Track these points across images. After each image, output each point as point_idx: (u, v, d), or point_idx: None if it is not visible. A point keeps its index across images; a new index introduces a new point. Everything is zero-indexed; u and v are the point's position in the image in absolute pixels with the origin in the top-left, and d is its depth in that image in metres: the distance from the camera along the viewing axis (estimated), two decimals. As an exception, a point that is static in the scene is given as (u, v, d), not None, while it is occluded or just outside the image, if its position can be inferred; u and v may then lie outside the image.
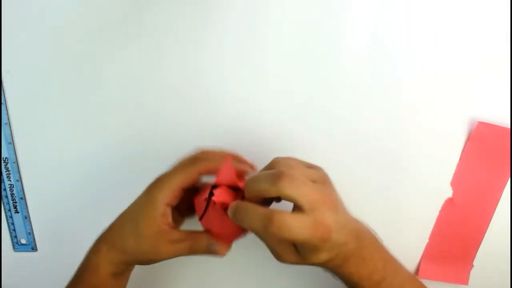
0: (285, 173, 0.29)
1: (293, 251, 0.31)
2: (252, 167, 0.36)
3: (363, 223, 0.34)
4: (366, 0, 0.38)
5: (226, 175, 0.33)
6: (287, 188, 0.29)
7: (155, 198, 0.34)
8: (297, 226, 0.28)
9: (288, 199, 0.29)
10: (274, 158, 0.33)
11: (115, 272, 0.36)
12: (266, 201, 0.33)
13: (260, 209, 0.29)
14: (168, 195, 0.33)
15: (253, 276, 0.48)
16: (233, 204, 0.31)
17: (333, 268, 0.32)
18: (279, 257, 0.32)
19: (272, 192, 0.29)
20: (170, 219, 0.34)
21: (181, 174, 0.34)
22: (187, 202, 0.36)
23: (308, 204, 0.29)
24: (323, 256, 0.30)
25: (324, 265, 0.32)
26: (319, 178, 0.32)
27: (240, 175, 0.34)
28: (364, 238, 0.33)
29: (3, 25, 0.40)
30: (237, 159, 0.36)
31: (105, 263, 0.36)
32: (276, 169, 0.31)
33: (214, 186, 0.33)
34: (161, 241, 0.34)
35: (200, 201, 0.34)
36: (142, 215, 0.34)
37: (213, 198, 0.32)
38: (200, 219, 0.34)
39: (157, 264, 0.36)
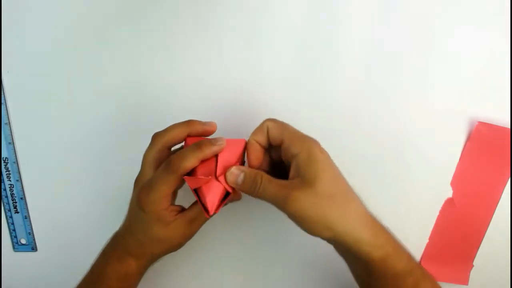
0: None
1: (297, 185, 0.30)
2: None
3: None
4: (367, 1, 0.38)
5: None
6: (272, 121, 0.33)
7: (154, 212, 0.33)
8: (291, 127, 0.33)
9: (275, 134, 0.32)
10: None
11: (143, 272, 0.37)
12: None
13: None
14: (163, 203, 0.33)
15: (253, 276, 0.48)
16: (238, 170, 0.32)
17: (356, 240, 0.30)
18: (287, 199, 0.30)
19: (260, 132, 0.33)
20: (174, 209, 0.34)
21: (165, 184, 0.32)
22: None
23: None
24: (324, 174, 0.30)
25: (341, 223, 0.30)
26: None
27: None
28: (388, 234, 0.33)
29: (3, 25, 0.40)
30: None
31: (137, 270, 0.36)
32: None
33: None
34: (183, 230, 0.35)
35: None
36: (154, 229, 0.34)
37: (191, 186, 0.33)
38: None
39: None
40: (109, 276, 0.36)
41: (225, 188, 0.33)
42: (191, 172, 0.33)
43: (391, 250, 0.31)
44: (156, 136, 0.34)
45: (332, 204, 0.30)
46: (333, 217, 0.30)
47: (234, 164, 0.33)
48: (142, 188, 0.34)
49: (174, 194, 0.37)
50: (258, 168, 0.34)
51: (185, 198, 0.37)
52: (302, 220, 0.30)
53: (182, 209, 0.35)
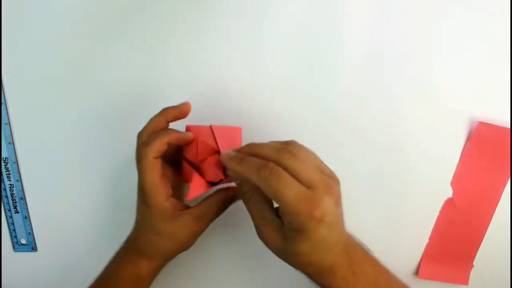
0: (290, 148, 0.29)
1: (276, 229, 0.30)
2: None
3: (354, 237, 0.33)
4: (367, 1, 0.38)
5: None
6: (288, 159, 0.28)
7: (155, 206, 0.34)
8: (290, 185, 0.27)
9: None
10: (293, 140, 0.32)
11: (155, 274, 0.38)
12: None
13: (258, 159, 0.29)
14: (160, 194, 0.33)
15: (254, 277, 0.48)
16: (230, 152, 0.32)
17: (319, 277, 0.31)
18: (260, 232, 0.31)
19: (272, 159, 0.29)
20: (179, 204, 0.35)
21: (146, 173, 0.33)
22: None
23: (307, 181, 0.27)
24: (305, 247, 0.29)
25: (308, 268, 0.31)
26: (328, 172, 0.30)
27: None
28: (354, 252, 0.32)
29: (3, 25, 0.40)
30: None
31: (148, 271, 0.37)
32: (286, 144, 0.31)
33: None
34: (190, 227, 0.35)
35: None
36: (159, 224, 0.34)
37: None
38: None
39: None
40: (121, 278, 0.36)
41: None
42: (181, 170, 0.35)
43: None
44: (139, 134, 0.35)
45: (306, 267, 0.31)
46: (303, 272, 0.31)
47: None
48: (138, 185, 0.34)
49: (179, 191, 0.37)
50: None
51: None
52: (269, 248, 0.32)
53: (188, 208, 0.35)
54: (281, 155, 0.28)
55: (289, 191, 0.27)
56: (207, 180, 0.34)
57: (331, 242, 0.29)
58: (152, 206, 0.34)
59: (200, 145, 0.34)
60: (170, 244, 0.35)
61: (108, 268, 0.38)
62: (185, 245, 0.36)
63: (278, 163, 0.28)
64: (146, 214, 0.34)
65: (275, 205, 0.31)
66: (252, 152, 0.31)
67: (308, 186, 0.28)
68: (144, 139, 0.34)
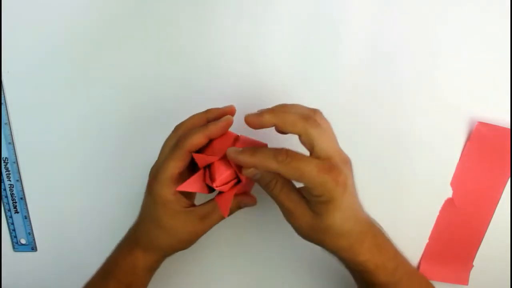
0: (316, 117, 0.31)
1: (305, 208, 0.31)
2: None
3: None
4: (367, 1, 0.38)
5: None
6: (314, 128, 0.29)
7: (160, 196, 0.33)
8: (307, 161, 0.29)
9: (308, 139, 0.30)
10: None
11: (152, 267, 0.38)
12: None
13: (269, 148, 0.30)
14: (169, 186, 0.33)
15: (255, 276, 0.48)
16: (236, 148, 0.32)
17: (349, 249, 0.32)
18: (291, 215, 0.32)
19: (297, 126, 0.30)
20: (184, 200, 0.34)
21: (172, 161, 0.33)
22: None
23: (325, 151, 0.29)
24: (336, 216, 0.29)
25: (339, 242, 0.31)
26: (342, 155, 0.32)
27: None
28: (376, 224, 0.34)
29: (3, 25, 0.40)
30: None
31: (144, 264, 0.36)
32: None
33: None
34: (191, 225, 0.35)
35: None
36: (160, 216, 0.34)
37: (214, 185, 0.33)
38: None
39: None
40: (119, 267, 0.36)
41: (235, 172, 0.33)
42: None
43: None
44: (177, 127, 0.35)
45: (337, 240, 0.31)
46: (333, 248, 0.32)
47: None
48: (152, 171, 0.34)
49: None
50: None
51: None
52: (299, 233, 0.32)
53: (193, 206, 0.35)
54: (309, 123, 0.30)
55: (309, 166, 0.28)
56: (212, 183, 0.33)
57: (356, 208, 0.31)
58: (157, 196, 0.33)
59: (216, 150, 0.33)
60: (168, 239, 0.35)
61: (109, 258, 0.38)
62: (184, 244, 0.36)
63: (305, 130, 0.30)
64: (149, 203, 0.35)
65: (297, 185, 0.32)
66: (285, 109, 0.31)
67: (325, 157, 0.29)
68: (181, 132, 0.34)
